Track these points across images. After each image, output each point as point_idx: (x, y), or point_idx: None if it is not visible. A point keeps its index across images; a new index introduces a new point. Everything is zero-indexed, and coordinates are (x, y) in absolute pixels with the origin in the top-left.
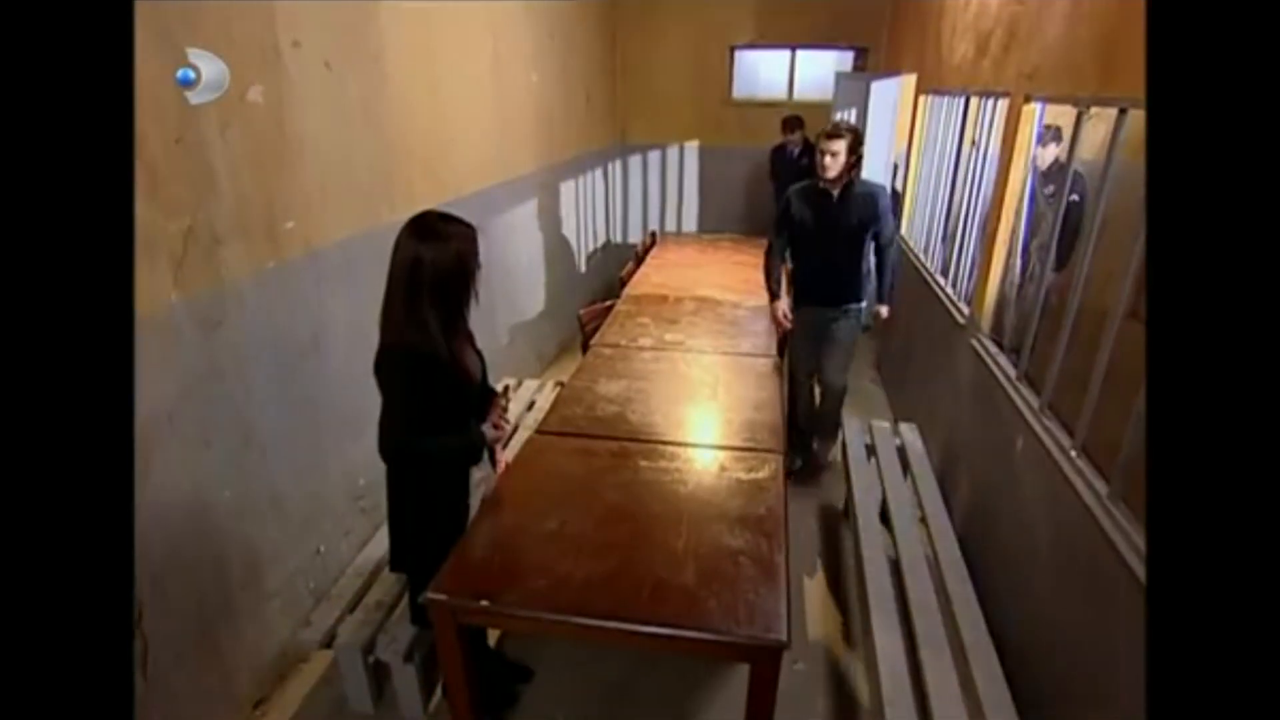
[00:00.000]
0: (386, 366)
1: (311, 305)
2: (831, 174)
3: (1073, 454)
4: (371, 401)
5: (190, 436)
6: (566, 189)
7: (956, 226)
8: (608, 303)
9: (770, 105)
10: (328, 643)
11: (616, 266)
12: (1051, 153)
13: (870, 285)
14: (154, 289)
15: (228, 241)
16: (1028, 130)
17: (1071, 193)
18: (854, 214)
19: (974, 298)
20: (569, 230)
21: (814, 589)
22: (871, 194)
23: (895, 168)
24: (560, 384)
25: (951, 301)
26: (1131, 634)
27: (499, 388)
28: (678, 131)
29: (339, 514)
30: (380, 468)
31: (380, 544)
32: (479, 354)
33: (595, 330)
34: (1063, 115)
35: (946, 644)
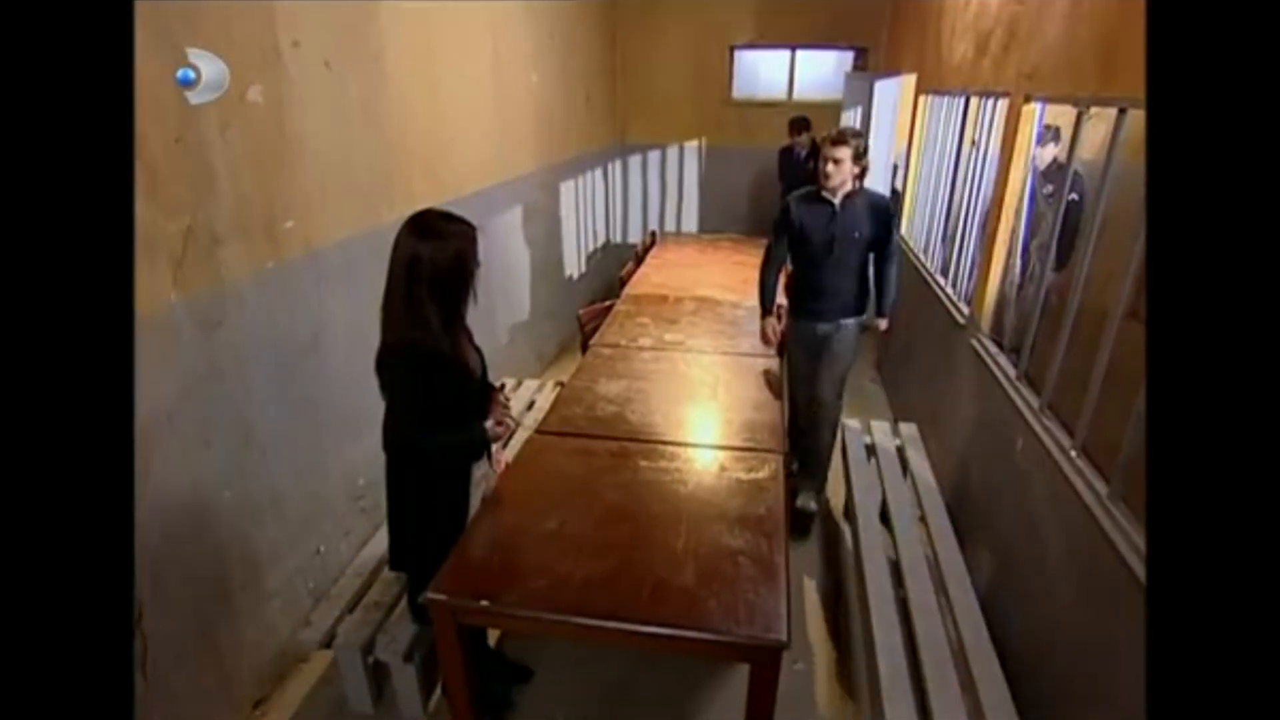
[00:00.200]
0: (389, 364)
1: (311, 305)
2: (833, 182)
3: (1073, 454)
4: (372, 401)
5: (190, 436)
6: (566, 189)
7: (956, 226)
8: (607, 303)
9: (770, 105)
10: (327, 643)
11: (616, 266)
12: (1050, 152)
13: (873, 297)
14: (154, 289)
15: (227, 241)
16: (1028, 130)
17: (1071, 192)
18: (856, 225)
19: (974, 298)
20: (569, 230)
21: (814, 589)
22: (876, 205)
23: (895, 168)
24: (560, 384)
25: (951, 301)
26: (1131, 634)
27: (495, 385)
28: (678, 131)
29: (339, 514)
30: (380, 468)
31: (380, 544)
32: (478, 350)
33: (595, 330)
34: (1061, 115)
35: (946, 644)
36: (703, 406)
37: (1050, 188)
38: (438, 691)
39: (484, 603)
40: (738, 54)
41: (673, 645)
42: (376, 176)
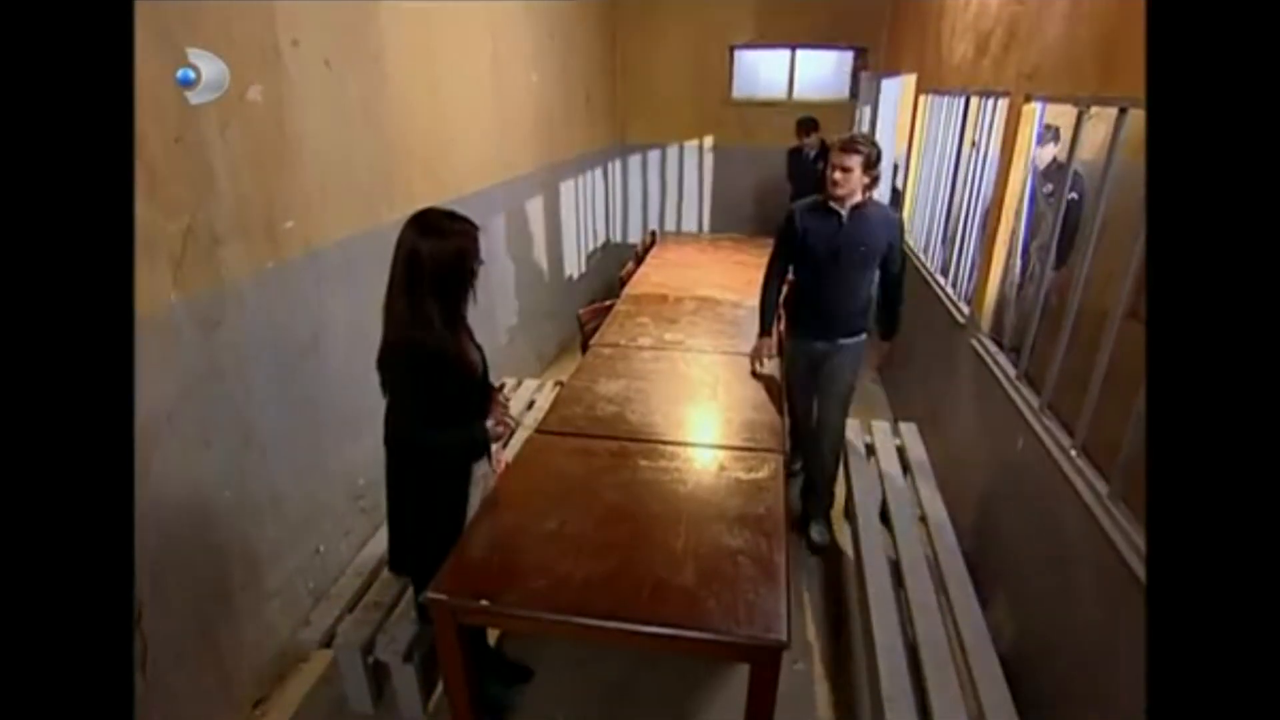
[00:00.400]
0: (391, 362)
1: (311, 305)
2: (841, 191)
3: (1073, 454)
4: (372, 401)
5: (190, 436)
6: (566, 189)
7: (956, 226)
8: (607, 302)
9: (770, 105)
10: (327, 642)
11: (616, 266)
12: (1049, 152)
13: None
14: (154, 289)
15: (227, 241)
16: (1028, 130)
17: (1071, 191)
18: (863, 239)
19: (974, 297)
20: (569, 230)
21: (814, 589)
22: (886, 219)
23: (895, 167)
24: (560, 384)
25: (951, 301)
26: (1131, 634)
27: (506, 387)
28: (678, 131)
29: (338, 514)
30: (380, 468)
31: (380, 544)
32: (480, 350)
33: (595, 330)
34: (1061, 115)
35: (946, 644)
36: (703, 406)
37: (1050, 187)
38: (438, 691)
39: (484, 603)
40: (738, 54)
41: (673, 645)
42: (376, 176)
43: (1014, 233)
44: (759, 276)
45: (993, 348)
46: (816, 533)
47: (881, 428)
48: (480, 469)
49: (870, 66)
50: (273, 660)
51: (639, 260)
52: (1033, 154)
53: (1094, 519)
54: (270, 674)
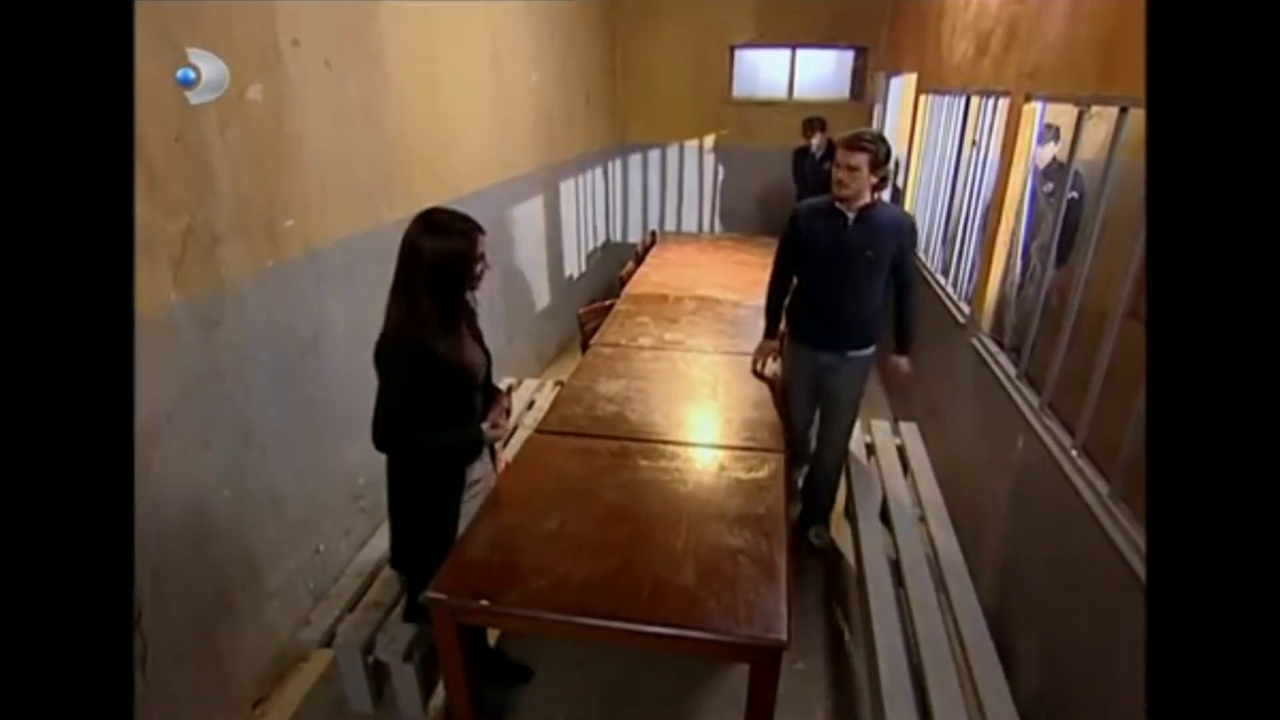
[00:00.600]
0: (383, 356)
1: (311, 305)
2: (846, 192)
3: (1073, 453)
4: (372, 401)
5: (190, 436)
6: (566, 188)
7: (957, 226)
8: (608, 302)
9: (770, 105)
10: (327, 642)
11: (616, 266)
12: (1050, 152)
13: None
14: (153, 289)
15: (227, 241)
16: (1028, 130)
17: (1072, 190)
18: (872, 243)
19: (974, 297)
20: (569, 229)
21: (814, 589)
22: (896, 221)
23: (896, 166)
24: (560, 383)
25: (952, 301)
26: (1132, 633)
27: (502, 386)
28: (678, 131)
29: (338, 514)
30: (380, 467)
31: (380, 544)
32: (486, 353)
33: (595, 329)
34: (1061, 115)
35: (946, 644)
36: (703, 406)
37: (1050, 186)
38: (438, 691)
39: (484, 602)
40: (738, 53)
41: (673, 645)
42: (376, 176)
43: (1014, 233)
44: (760, 276)
45: (993, 347)
46: (815, 535)
47: (881, 427)
48: (477, 471)
49: (870, 66)
50: (273, 660)
51: (639, 260)
52: (1033, 153)
53: (1094, 519)
54: (270, 674)
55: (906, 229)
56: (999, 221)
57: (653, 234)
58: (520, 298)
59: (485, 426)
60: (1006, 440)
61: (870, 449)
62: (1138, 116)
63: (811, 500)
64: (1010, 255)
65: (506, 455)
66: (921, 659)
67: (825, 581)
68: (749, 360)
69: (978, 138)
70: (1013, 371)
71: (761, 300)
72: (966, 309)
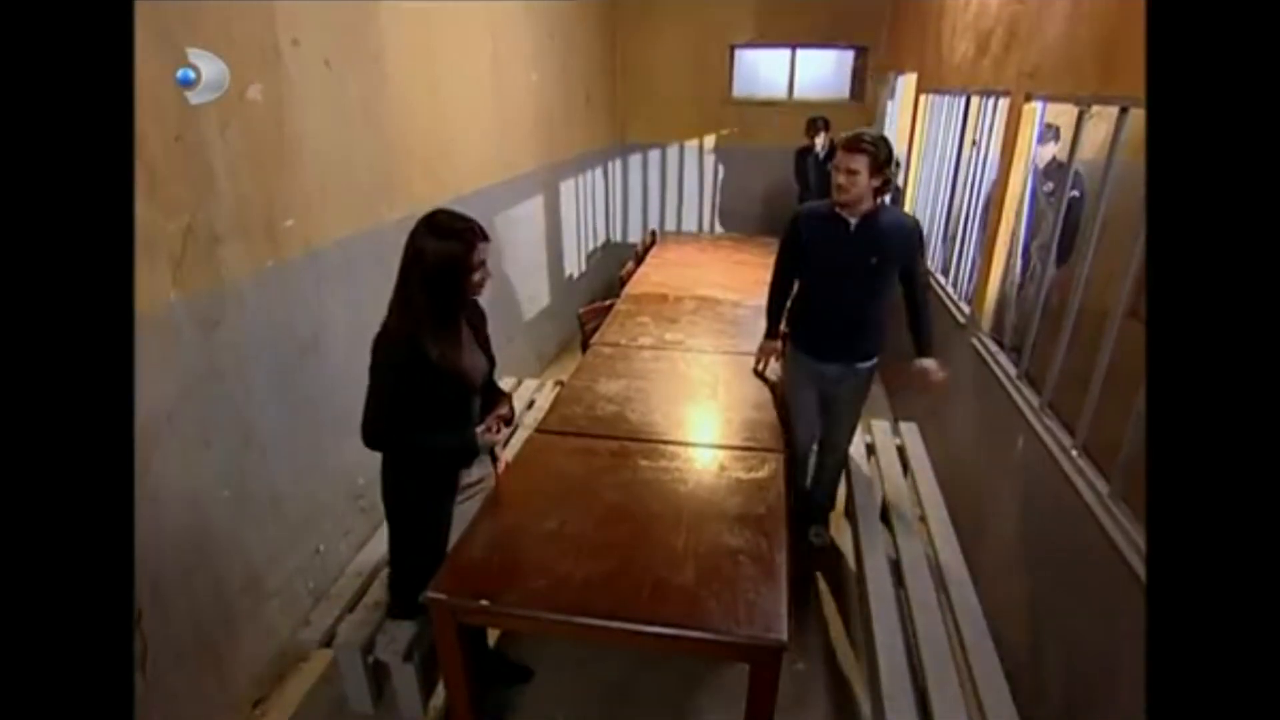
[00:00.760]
0: (375, 351)
1: (311, 305)
2: (846, 196)
3: (1073, 453)
4: None
5: (190, 436)
6: (567, 188)
7: (957, 226)
8: (608, 302)
9: (770, 104)
10: (327, 642)
11: (616, 265)
12: (1049, 151)
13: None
14: (153, 288)
15: (227, 240)
16: (1028, 129)
17: (1073, 189)
18: (875, 250)
19: (974, 297)
20: (569, 229)
21: (814, 589)
22: (901, 227)
23: (896, 166)
24: (560, 383)
25: (952, 301)
26: (1132, 633)
27: (505, 387)
28: (678, 131)
29: (338, 514)
30: (380, 467)
31: (380, 544)
32: (491, 358)
33: (595, 329)
34: (1060, 115)
35: (946, 644)
36: (703, 405)
37: (1050, 185)
38: (438, 691)
39: (484, 602)
40: (738, 53)
41: (673, 645)
42: (376, 176)
43: (1014, 232)
44: (760, 276)
45: (993, 347)
46: (815, 535)
47: (881, 427)
48: (476, 472)
49: (871, 66)
50: (273, 660)
51: (639, 260)
52: (1033, 153)
53: (1094, 518)
54: (270, 674)
55: (912, 234)
56: (999, 221)
57: (653, 234)
58: (520, 297)
59: (480, 430)
60: (1007, 440)
61: (870, 449)
62: (1138, 116)
63: (816, 494)
64: (1010, 255)
65: (507, 455)
66: (921, 659)
67: (825, 581)
68: (749, 360)
69: (978, 137)
70: (1013, 371)
71: (762, 300)
72: (966, 309)
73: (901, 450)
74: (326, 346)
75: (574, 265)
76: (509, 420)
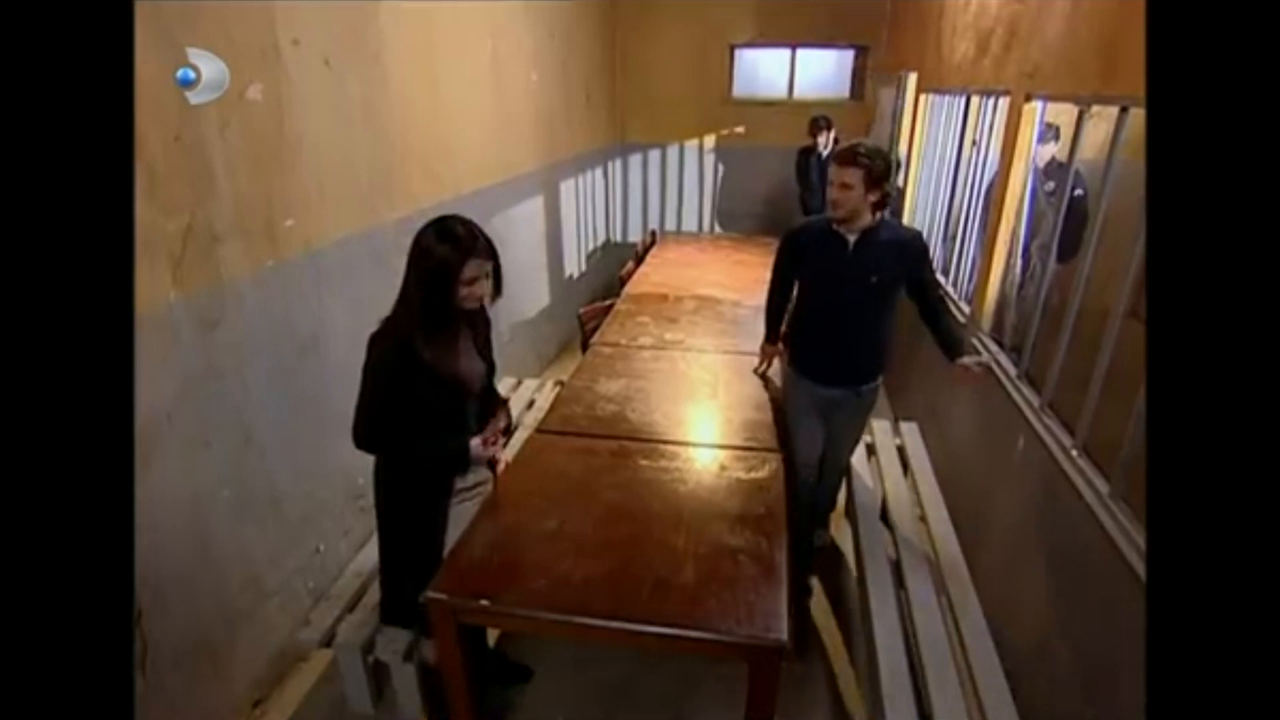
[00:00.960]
0: (369, 349)
1: (310, 304)
2: (841, 211)
3: (1073, 453)
4: None
5: (189, 436)
6: (566, 188)
7: (957, 226)
8: (608, 302)
9: (770, 104)
10: (327, 642)
11: (616, 265)
12: (1049, 151)
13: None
14: (153, 288)
15: (227, 240)
16: (1029, 129)
17: (1075, 187)
18: (875, 268)
19: (974, 297)
20: (569, 229)
21: (814, 589)
22: (902, 242)
23: (896, 166)
24: (560, 383)
25: (952, 300)
26: (1132, 633)
27: (505, 387)
28: (678, 131)
29: (338, 513)
30: None
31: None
32: (491, 364)
33: (595, 329)
34: (1060, 115)
35: (946, 644)
36: (703, 405)
37: (1050, 184)
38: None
39: (484, 602)
40: (738, 53)
41: (673, 645)
42: (376, 176)
43: (1014, 232)
44: (760, 275)
45: (993, 347)
46: (815, 535)
47: (881, 428)
48: (469, 479)
49: (871, 66)
50: (272, 660)
51: (639, 259)
52: (1033, 153)
53: (1095, 518)
54: (270, 674)
55: (914, 249)
56: (999, 221)
57: (653, 234)
58: (520, 297)
59: (475, 443)
60: (1006, 440)
61: (870, 449)
62: (1138, 116)
63: (819, 498)
64: (1010, 255)
65: (507, 455)
66: (921, 659)
67: (825, 581)
68: (749, 360)
69: (978, 137)
70: (1013, 371)
71: (762, 299)
72: (966, 308)
73: (901, 450)
74: (326, 346)
75: (574, 265)
76: (507, 431)
